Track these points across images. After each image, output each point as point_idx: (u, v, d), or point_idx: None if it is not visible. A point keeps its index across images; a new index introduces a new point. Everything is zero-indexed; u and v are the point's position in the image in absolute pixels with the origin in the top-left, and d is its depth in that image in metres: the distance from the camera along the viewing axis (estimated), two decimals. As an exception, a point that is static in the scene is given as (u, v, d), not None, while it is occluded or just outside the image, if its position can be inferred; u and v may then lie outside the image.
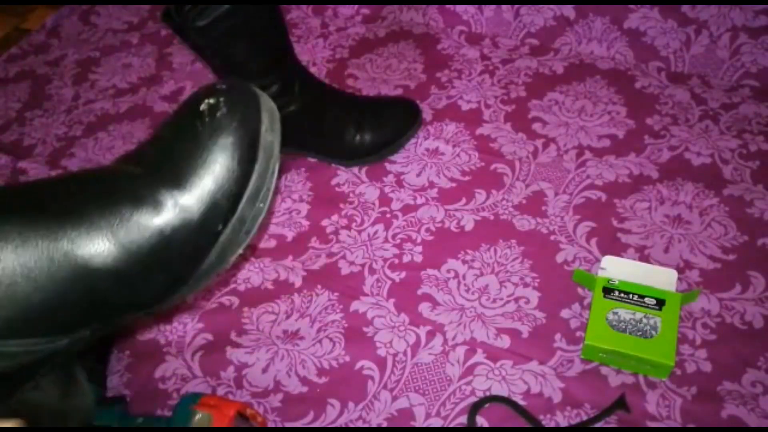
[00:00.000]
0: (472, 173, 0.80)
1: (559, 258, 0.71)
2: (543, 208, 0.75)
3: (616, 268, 0.65)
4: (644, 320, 0.61)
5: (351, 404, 0.63)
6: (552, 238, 0.73)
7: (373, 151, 0.82)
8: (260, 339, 0.69)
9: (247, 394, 0.66)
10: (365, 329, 0.68)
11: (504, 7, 0.97)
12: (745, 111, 0.82)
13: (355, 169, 0.83)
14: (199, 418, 0.56)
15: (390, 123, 0.83)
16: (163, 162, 0.40)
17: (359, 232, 0.77)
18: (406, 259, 0.73)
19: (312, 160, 0.86)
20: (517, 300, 0.68)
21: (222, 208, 0.40)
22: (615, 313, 0.62)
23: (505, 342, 0.65)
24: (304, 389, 0.65)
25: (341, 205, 0.80)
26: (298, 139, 0.81)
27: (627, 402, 0.59)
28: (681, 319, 0.64)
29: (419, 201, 0.79)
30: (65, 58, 1.13)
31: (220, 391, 0.66)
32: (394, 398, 0.63)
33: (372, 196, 0.80)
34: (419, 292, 0.70)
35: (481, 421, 0.60)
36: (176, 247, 0.40)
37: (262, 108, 0.41)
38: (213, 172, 0.39)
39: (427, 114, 0.88)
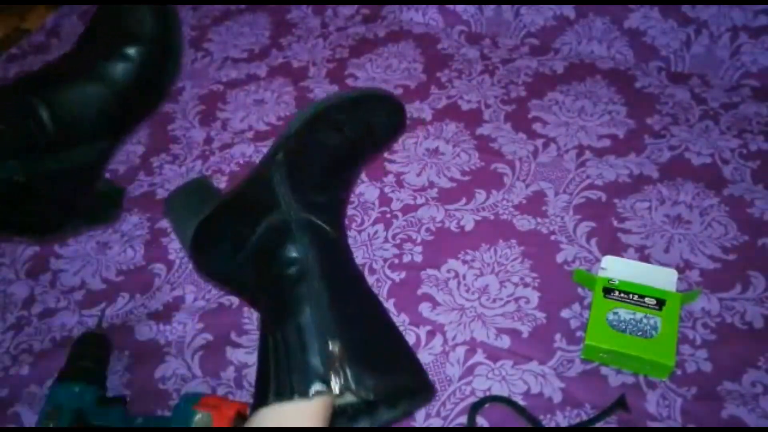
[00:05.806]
0: (472, 173, 0.80)
1: (559, 258, 0.71)
2: (543, 208, 0.75)
3: (616, 268, 0.65)
4: (644, 320, 0.61)
5: (351, 404, 0.63)
6: (552, 238, 0.73)
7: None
8: (260, 339, 0.69)
9: (247, 394, 0.65)
10: (365, 329, 0.68)
11: (504, 7, 0.97)
12: (745, 111, 0.82)
13: (355, 169, 0.83)
14: (199, 418, 0.56)
15: None
16: None
17: (359, 232, 0.77)
18: (406, 259, 0.73)
19: (312, 160, 0.86)
20: (517, 300, 0.68)
21: None
22: (615, 313, 0.62)
23: (505, 342, 0.65)
24: (304, 389, 0.65)
25: (341, 205, 0.80)
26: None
27: (627, 402, 0.59)
28: (681, 319, 0.64)
29: (419, 201, 0.79)
30: (65, 58, 1.13)
31: (220, 391, 0.66)
32: (394, 398, 0.63)
33: (372, 196, 0.80)
34: (419, 292, 0.70)
35: (481, 421, 0.60)
36: None
37: None
38: None
39: (427, 114, 0.88)
